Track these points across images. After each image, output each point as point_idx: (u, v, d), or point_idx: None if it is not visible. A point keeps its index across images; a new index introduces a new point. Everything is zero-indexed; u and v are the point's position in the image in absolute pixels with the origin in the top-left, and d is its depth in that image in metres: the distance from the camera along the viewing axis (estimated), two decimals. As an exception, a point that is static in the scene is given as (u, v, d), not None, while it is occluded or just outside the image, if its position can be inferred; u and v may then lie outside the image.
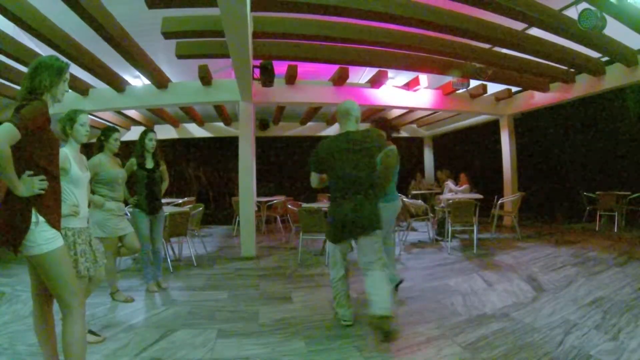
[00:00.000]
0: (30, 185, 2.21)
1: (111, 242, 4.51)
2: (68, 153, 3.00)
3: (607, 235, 8.18)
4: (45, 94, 2.39)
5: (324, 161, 3.74)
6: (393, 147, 4.22)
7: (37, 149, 2.29)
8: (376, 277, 3.52)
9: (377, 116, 10.39)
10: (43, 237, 2.26)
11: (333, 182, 3.75)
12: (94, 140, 4.59)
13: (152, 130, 5.20)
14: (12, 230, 2.22)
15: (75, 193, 2.95)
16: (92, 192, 4.47)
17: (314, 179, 3.93)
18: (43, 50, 5.53)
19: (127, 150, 4.81)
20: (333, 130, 12.91)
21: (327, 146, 3.74)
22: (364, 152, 3.64)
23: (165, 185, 5.35)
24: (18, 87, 2.42)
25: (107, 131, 4.61)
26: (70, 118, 3.23)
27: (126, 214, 4.88)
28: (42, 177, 2.27)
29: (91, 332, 3.53)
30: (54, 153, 2.42)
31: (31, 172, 2.23)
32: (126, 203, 5.03)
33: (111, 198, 4.51)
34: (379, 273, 3.54)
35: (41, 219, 2.26)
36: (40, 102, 2.30)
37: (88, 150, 4.15)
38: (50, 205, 2.33)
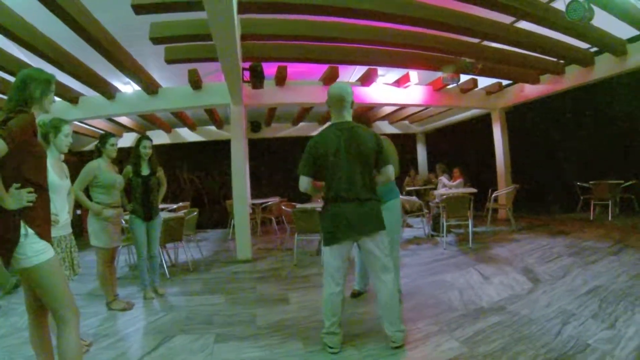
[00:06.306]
0: (19, 197, 2.19)
1: (105, 252, 4.51)
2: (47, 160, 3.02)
3: (601, 224, 8.21)
4: (34, 106, 2.39)
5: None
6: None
7: (24, 161, 2.27)
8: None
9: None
10: (33, 249, 2.24)
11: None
12: (86, 148, 4.58)
13: (147, 138, 5.19)
14: (1, 243, 2.21)
15: (54, 201, 2.94)
16: (90, 198, 4.47)
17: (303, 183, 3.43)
18: (31, 59, 5.49)
19: (120, 156, 4.81)
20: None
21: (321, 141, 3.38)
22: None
23: (163, 190, 5.35)
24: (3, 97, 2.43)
25: (103, 137, 4.63)
26: (55, 126, 3.28)
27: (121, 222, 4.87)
28: (30, 189, 2.25)
29: None
30: (41, 164, 2.41)
31: (19, 185, 2.22)
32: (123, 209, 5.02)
33: (108, 205, 4.50)
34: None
35: (30, 231, 2.24)
36: (28, 114, 2.30)
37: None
38: (39, 216, 2.32)
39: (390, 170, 3.42)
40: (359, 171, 3.27)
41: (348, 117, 3.47)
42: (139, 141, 5.12)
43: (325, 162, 3.29)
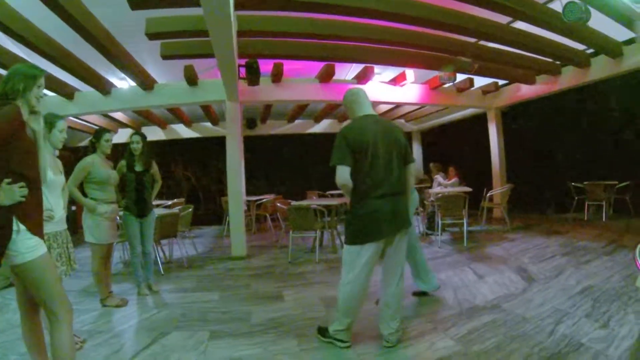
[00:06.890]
0: (11, 193, 2.15)
1: (100, 248, 4.48)
2: None
3: (595, 224, 8.26)
4: (19, 99, 2.34)
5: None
6: None
7: (13, 155, 2.23)
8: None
9: None
10: (25, 245, 2.21)
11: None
12: (80, 144, 4.56)
13: (137, 133, 5.16)
14: None
15: (48, 197, 2.92)
16: (85, 195, 4.44)
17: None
18: (28, 55, 5.45)
19: (114, 152, 4.80)
20: (321, 127, 12.92)
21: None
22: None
23: (157, 186, 5.34)
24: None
25: (98, 132, 4.61)
26: (50, 122, 3.24)
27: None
28: (22, 184, 2.21)
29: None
30: (32, 159, 2.36)
31: (10, 180, 2.18)
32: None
33: (102, 200, 4.47)
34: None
35: (22, 227, 2.21)
36: (13, 106, 2.24)
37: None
38: (31, 212, 2.28)
39: (415, 167, 3.39)
40: (396, 165, 3.16)
41: (372, 110, 3.34)
42: (129, 137, 5.13)
43: (365, 153, 3.04)
